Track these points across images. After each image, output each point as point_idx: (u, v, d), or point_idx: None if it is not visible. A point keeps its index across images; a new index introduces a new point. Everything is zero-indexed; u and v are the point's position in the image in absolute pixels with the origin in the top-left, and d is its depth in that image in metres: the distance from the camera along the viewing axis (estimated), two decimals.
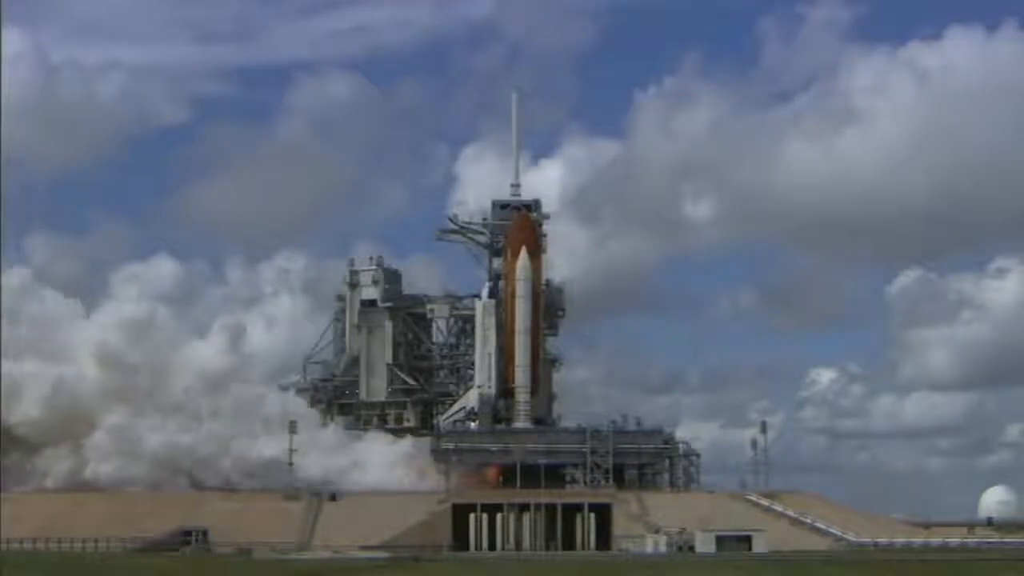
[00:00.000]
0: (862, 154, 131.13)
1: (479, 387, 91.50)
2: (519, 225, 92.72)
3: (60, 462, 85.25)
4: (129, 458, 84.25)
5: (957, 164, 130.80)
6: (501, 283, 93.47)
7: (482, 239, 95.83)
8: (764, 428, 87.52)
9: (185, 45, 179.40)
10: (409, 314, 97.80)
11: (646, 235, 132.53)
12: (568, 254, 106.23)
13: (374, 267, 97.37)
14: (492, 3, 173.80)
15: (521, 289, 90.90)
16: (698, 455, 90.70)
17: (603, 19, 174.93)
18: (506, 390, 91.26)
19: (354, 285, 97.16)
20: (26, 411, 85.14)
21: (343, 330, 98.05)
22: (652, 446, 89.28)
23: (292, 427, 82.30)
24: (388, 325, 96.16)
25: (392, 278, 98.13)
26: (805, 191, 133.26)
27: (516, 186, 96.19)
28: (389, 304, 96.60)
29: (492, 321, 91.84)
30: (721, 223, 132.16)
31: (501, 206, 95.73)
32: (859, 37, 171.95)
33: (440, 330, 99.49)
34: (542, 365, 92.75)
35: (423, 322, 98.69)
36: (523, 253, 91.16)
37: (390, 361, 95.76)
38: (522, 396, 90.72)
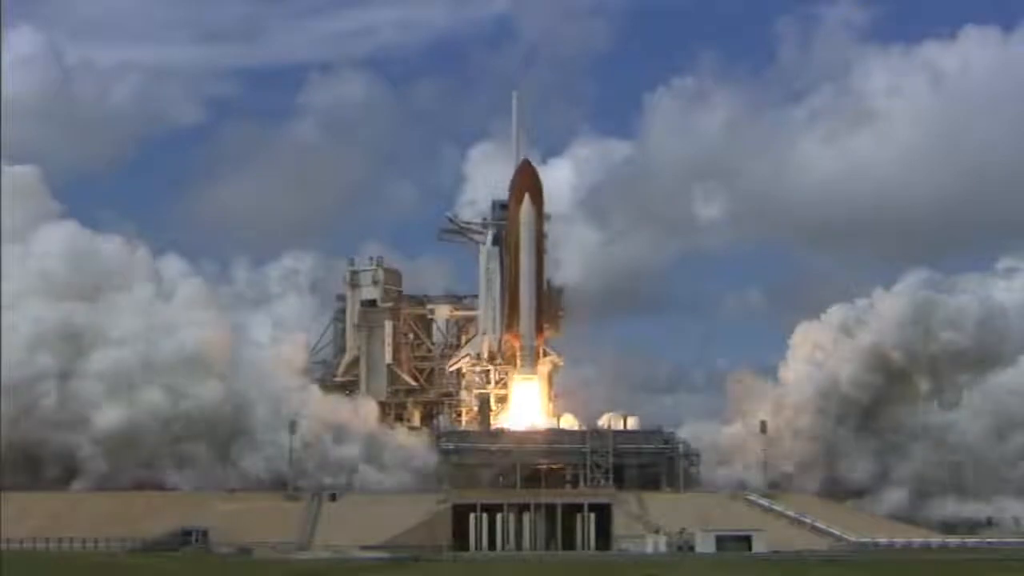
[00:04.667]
0: (876, 154, 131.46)
1: (484, 334, 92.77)
2: (522, 172, 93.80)
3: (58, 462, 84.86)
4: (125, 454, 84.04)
5: (972, 164, 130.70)
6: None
7: (481, 239, 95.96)
8: (764, 428, 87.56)
9: (196, 46, 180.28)
10: (410, 314, 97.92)
11: (657, 235, 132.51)
12: (578, 253, 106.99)
13: (374, 267, 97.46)
14: (506, 4, 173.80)
15: (525, 234, 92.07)
16: (698, 455, 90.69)
17: (617, 20, 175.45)
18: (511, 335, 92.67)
19: (355, 285, 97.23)
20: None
21: (343, 330, 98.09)
22: (652, 446, 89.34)
23: (292, 427, 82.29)
24: (388, 325, 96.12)
25: (393, 278, 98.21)
26: (818, 191, 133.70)
27: None
28: (389, 304, 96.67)
29: (496, 266, 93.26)
30: (732, 223, 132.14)
31: (501, 206, 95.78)
32: (875, 37, 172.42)
33: (441, 330, 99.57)
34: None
35: (424, 322, 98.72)
36: (526, 199, 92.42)
37: (390, 361, 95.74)
38: (527, 340, 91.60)
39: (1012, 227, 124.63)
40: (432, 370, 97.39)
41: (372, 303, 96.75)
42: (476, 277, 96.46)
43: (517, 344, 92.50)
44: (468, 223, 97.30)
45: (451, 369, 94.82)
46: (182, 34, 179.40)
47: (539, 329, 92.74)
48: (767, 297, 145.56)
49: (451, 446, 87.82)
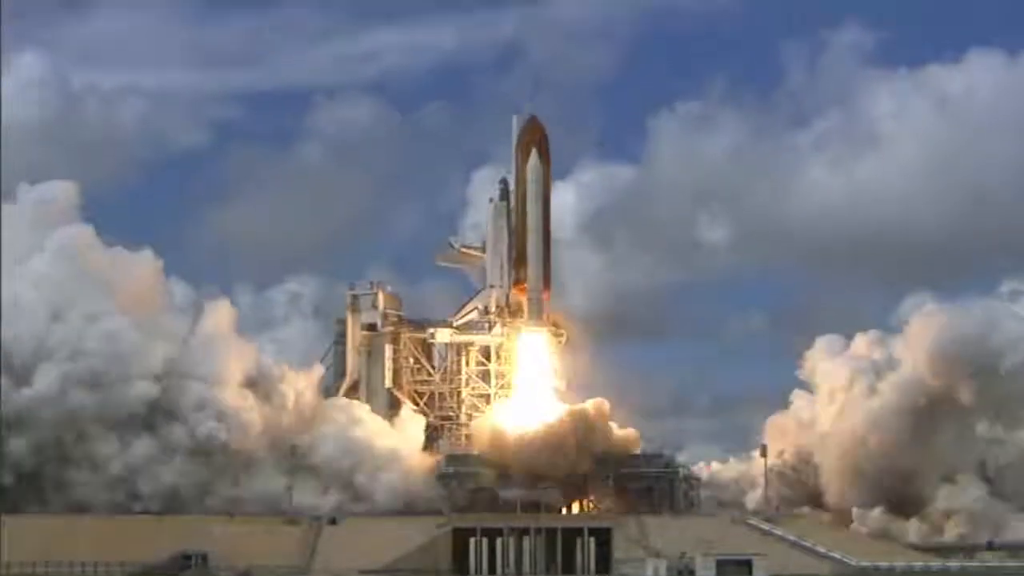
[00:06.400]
0: (881, 178, 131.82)
1: (491, 286, 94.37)
2: (529, 129, 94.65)
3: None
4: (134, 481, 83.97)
5: (976, 188, 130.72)
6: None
7: (480, 264, 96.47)
8: (764, 452, 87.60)
9: (200, 70, 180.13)
10: (410, 338, 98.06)
11: (661, 259, 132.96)
12: (581, 277, 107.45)
13: (374, 291, 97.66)
14: (511, 28, 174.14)
15: (532, 188, 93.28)
16: (699, 479, 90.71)
17: (622, 44, 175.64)
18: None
19: (355, 309, 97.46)
20: None
21: (344, 354, 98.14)
22: (653, 470, 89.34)
23: (292, 451, 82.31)
24: (389, 349, 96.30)
25: (394, 302, 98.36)
26: (823, 215, 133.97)
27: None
28: (390, 328, 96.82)
29: (503, 223, 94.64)
30: (737, 248, 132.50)
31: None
32: (880, 61, 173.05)
33: (441, 355, 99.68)
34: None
35: (424, 346, 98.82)
36: (533, 153, 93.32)
37: (390, 385, 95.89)
38: (534, 294, 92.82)
39: (1014, 250, 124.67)
40: (433, 394, 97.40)
41: (372, 327, 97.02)
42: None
43: (524, 298, 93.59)
44: (467, 247, 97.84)
45: (458, 323, 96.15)
46: (186, 58, 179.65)
47: (546, 283, 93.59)
48: (771, 321, 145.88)
49: (451, 470, 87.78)
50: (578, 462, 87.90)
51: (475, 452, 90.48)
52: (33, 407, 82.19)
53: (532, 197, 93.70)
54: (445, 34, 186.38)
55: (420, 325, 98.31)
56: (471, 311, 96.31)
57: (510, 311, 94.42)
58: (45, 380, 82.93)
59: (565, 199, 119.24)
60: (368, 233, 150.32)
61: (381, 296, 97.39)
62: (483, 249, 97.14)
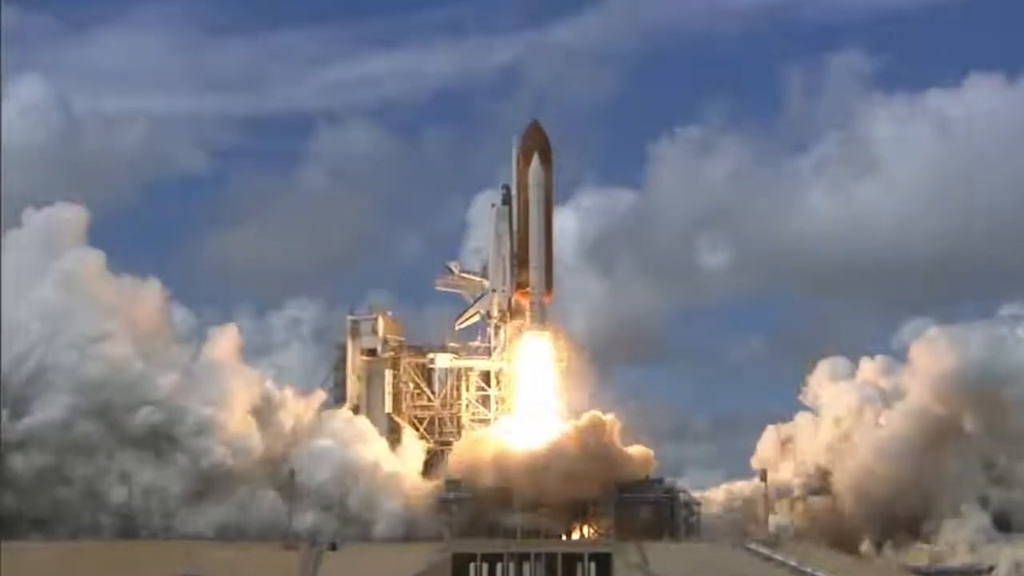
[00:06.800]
0: (880, 202, 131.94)
1: (493, 290, 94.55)
2: (531, 133, 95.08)
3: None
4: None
5: (976, 212, 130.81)
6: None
7: (478, 289, 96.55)
8: (764, 476, 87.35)
9: (201, 94, 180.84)
10: (410, 363, 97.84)
11: (662, 283, 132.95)
12: (582, 302, 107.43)
13: (374, 316, 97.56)
14: (512, 53, 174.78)
15: (534, 192, 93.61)
16: (699, 504, 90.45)
17: (623, 69, 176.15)
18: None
19: (355, 334, 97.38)
20: None
21: (343, 379, 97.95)
22: (653, 495, 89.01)
23: (290, 475, 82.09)
24: (388, 374, 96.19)
25: (394, 327, 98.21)
26: (823, 240, 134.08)
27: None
28: (390, 353, 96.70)
29: (505, 226, 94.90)
30: (737, 272, 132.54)
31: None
32: (880, 85, 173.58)
33: (441, 380, 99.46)
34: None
35: (424, 371, 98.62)
36: (535, 158, 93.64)
37: (390, 410, 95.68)
38: (536, 296, 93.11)
39: (1014, 274, 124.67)
40: (433, 419, 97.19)
41: (372, 352, 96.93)
42: (477, 327, 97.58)
43: (526, 301, 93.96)
44: (466, 272, 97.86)
45: (460, 327, 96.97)
46: (186, 82, 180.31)
47: (548, 287, 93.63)
48: (771, 345, 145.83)
49: (451, 495, 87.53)
50: (586, 487, 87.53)
51: (475, 476, 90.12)
52: (36, 434, 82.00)
53: (534, 201, 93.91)
54: (445, 59, 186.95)
55: (420, 350, 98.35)
56: (473, 315, 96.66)
57: (512, 315, 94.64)
58: (49, 408, 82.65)
59: (566, 224, 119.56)
60: (368, 258, 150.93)
61: (381, 321, 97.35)
62: (483, 274, 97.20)
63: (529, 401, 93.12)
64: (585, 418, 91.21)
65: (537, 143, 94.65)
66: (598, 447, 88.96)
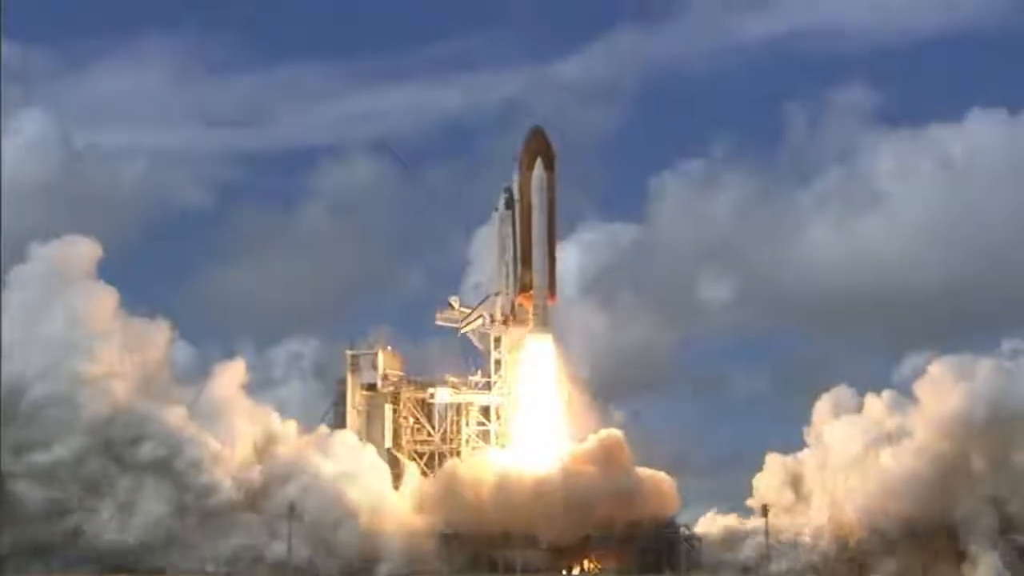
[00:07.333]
0: (883, 237, 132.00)
1: (497, 294, 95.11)
2: (533, 138, 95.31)
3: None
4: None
5: (978, 247, 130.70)
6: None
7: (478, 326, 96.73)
8: (765, 511, 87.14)
9: (203, 129, 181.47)
10: (410, 398, 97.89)
11: (664, 318, 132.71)
12: (584, 337, 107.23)
13: (374, 351, 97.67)
14: (515, 87, 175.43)
15: (536, 196, 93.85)
16: (700, 539, 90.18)
17: (626, 103, 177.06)
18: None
19: (355, 369, 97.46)
20: None
21: (344, 414, 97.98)
22: (653, 530, 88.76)
23: (290, 508, 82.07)
24: (388, 409, 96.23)
25: (394, 362, 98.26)
26: (825, 275, 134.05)
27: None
28: (390, 388, 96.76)
29: (509, 231, 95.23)
30: (739, 307, 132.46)
31: (495, 293, 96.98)
32: (883, 120, 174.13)
33: (441, 414, 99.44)
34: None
35: (425, 406, 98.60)
36: (538, 163, 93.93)
37: (390, 445, 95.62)
38: (539, 299, 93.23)
39: (1015, 308, 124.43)
40: (433, 454, 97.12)
41: (372, 387, 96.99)
42: (479, 362, 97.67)
43: (529, 306, 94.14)
44: (469, 307, 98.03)
45: (463, 331, 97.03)
46: (188, 117, 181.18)
47: (552, 289, 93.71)
48: (773, 379, 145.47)
49: (450, 531, 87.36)
50: (600, 525, 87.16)
51: (476, 512, 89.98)
52: (39, 468, 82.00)
53: (537, 204, 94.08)
54: (448, 94, 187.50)
55: (420, 385, 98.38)
56: (476, 319, 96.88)
57: (515, 318, 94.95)
58: (53, 444, 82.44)
59: (568, 259, 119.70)
60: (369, 292, 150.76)
61: (381, 356, 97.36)
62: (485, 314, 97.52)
63: (533, 420, 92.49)
64: (596, 440, 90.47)
65: (540, 148, 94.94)
66: (617, 474, 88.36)
